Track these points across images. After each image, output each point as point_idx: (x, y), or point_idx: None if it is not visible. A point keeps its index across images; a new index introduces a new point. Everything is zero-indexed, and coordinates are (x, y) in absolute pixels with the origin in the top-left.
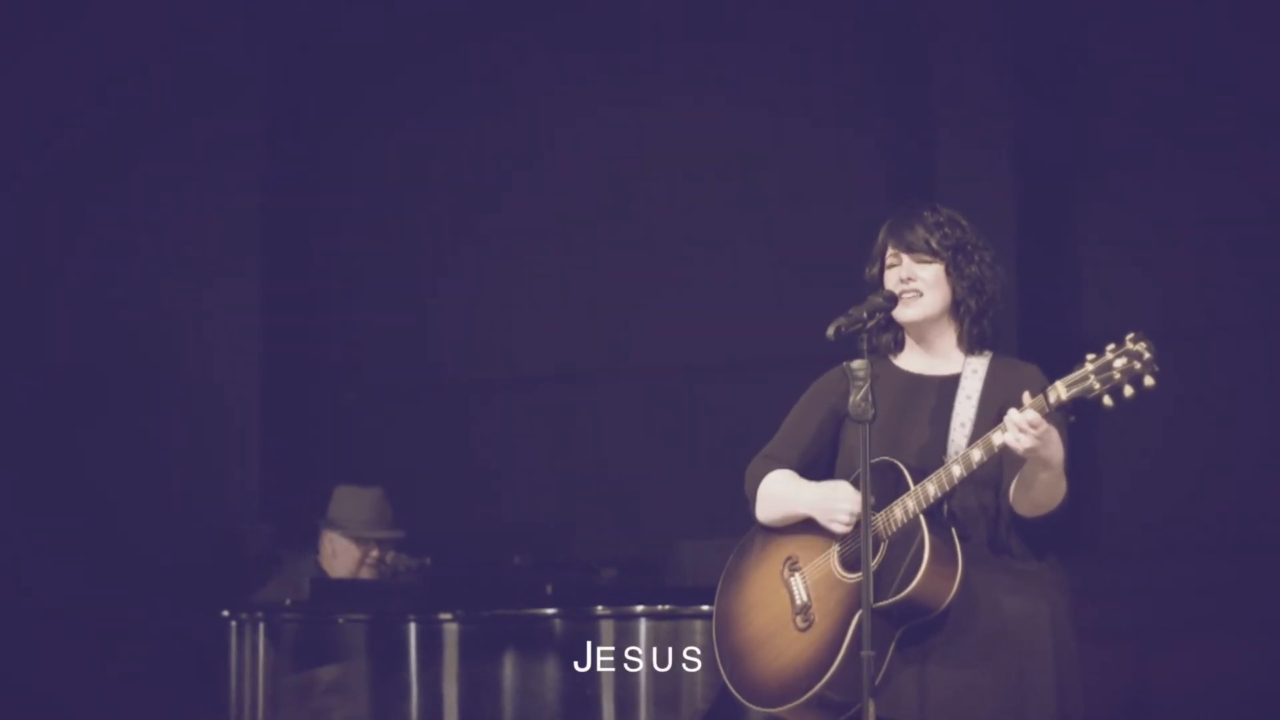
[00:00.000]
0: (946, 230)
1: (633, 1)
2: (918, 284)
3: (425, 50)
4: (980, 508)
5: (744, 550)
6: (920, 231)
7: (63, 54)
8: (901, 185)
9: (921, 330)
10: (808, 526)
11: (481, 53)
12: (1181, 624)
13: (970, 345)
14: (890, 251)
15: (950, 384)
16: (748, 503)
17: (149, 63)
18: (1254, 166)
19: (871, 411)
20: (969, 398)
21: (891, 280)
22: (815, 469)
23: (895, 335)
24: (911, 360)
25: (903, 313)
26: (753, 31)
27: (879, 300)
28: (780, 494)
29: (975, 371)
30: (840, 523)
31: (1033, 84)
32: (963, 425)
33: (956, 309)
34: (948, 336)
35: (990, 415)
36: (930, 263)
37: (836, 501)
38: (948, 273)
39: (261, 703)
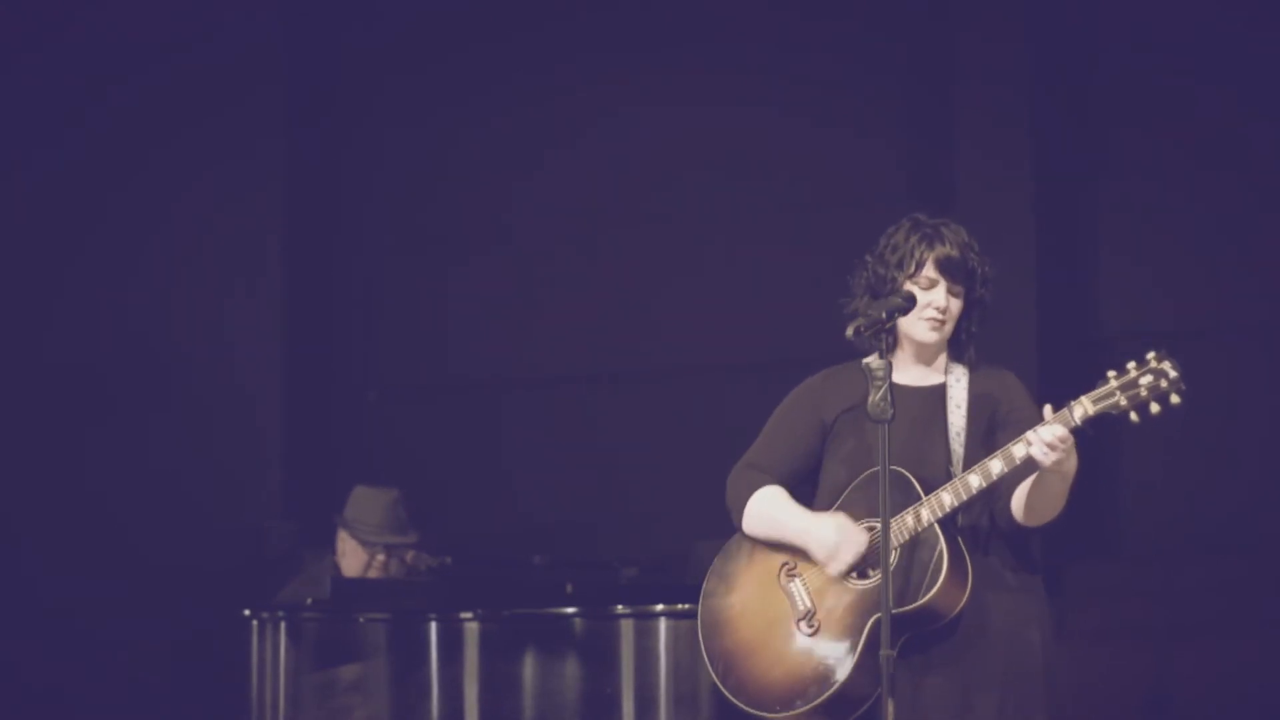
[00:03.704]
0: (978, 261)
1: (658, 4)
2: (948, 315)
3: (449, 48)
4: (980, 518)
5: (730, 553)
6: (966, 265)
7: (79, 46)
8: (922, 192)
9: (928, 347)
10: None
11: (505, 52)
12: (1194, 625)
13: (959, 357)
14: (930, 273)
15: (937, 393)
16: (730, 512)
17: (169, 58)
18: (1268, 173)
19: (890, 411)
20: (958, 406)
21: (920, 298)
22: (800, 477)
23: (888, 340)
24: (899, 372)
25: (927, 335)
26: (776, 38)
27: (898, 301)
28: (771, 516)
29: (959, 380)
30: (843, 563)
31: (1051, 93)
32: (958, 434)
33: (958, 328)
34: (942, 349)
35: (979, 422)
36: (962, 295)
37: (844, 545)
38: (966, 299)
39: (282, 702)
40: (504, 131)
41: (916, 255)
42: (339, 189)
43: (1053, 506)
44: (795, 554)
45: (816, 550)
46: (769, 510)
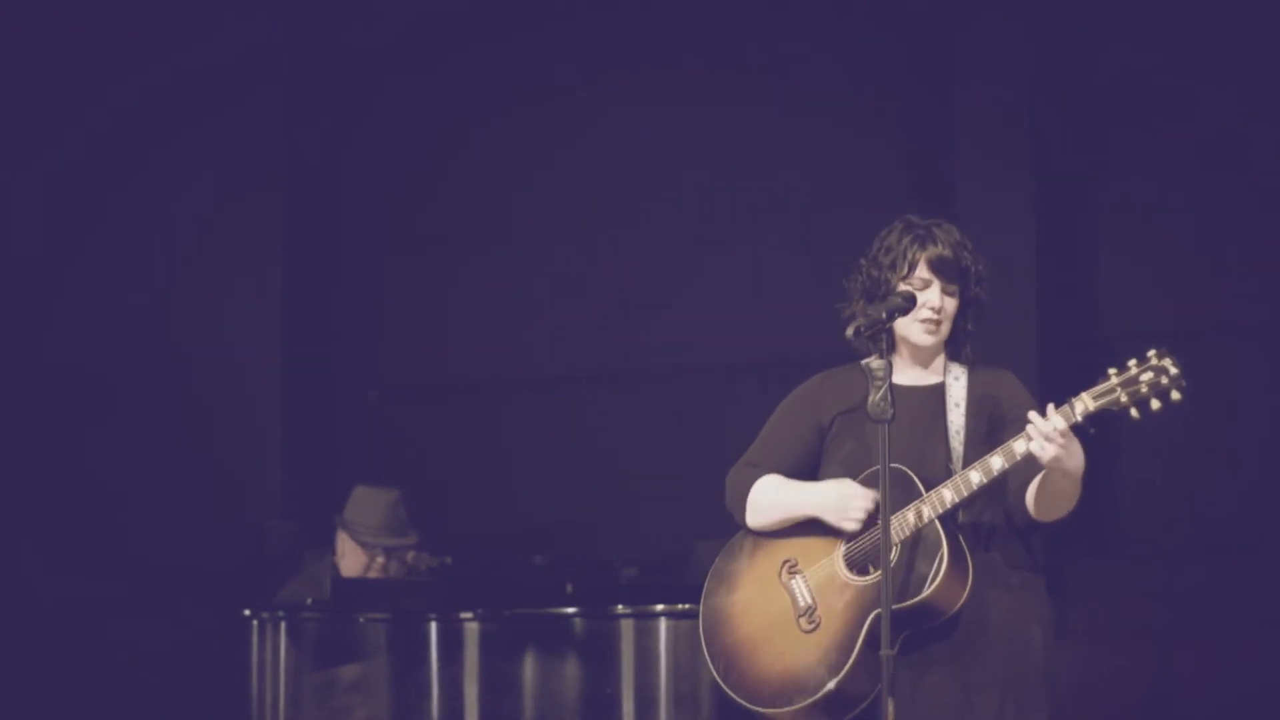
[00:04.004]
0: (971, 259)
1: (658, 4)
2: (943, 315)
3: (449, 48)
4: (983, 514)
5: (732, 553)
6: (960, 264)
7: (79, 46)
8: (922, 192)
9: (925, 349)
10: (806, 530)
11: (505, 52)
12: (1194, 625)
13: (956, 356)
14: (924, 273)
15: (936, 393)
16: (732, 512)
17: (169, 58)
18: (1268, 173)
19: (890, 411)
20: (957, 405)
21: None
22: (799, 478)
23: (887, 342)
24: (897, 374)
25: (923, 338)
26: (777, 39)
27: (898, 300)
28: (777, 498)
29: (957, 379)
30: (854, 520)
31: (1051, 93)
32: (958, 433)
33: (954, 328)
34: (939, 350)
35: (980, 421)
36: (957, 294)
37: (850, 499)
38: (961, 298)
39: (283, 702)
40: (504, 131)
41: (909, 256)
42: (339, 189)
43: (1061, 505)
44: (798, 550)
45: (827, 514)
46: (773, 494)
